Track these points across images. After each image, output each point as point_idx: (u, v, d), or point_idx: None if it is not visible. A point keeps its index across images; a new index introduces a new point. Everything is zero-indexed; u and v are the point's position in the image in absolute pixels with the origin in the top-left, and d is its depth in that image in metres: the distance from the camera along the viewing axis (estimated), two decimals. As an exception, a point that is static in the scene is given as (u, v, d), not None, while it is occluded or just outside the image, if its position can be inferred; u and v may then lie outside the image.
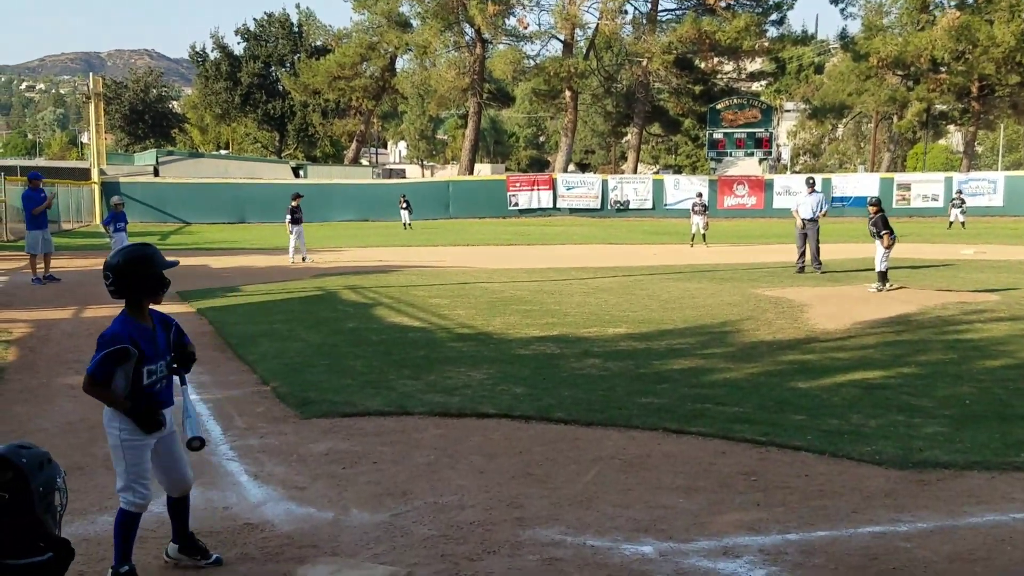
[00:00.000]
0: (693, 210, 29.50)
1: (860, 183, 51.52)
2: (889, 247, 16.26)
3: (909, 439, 6.94)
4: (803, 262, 19.73)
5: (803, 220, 19.90)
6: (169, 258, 4.71)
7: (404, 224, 40.95)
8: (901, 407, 7.95)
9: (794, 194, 52.02)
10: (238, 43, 77.13)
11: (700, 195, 31.07)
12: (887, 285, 16.13)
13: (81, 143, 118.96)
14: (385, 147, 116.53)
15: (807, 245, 19.74)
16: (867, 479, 6.10)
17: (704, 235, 28.85)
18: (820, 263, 19.69)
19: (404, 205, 41.83)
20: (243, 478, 6.22)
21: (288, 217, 23.24)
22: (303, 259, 22.94)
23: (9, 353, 10.84)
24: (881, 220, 16.54)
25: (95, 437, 7.15)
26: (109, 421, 4.52)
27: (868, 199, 17.97)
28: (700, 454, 6.67)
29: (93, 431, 7.35)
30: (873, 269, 16.60)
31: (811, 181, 21.09)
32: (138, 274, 4.52)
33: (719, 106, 54.70)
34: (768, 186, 51.66)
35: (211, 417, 7.78)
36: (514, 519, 5.40)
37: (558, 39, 58.60)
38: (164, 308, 4.86)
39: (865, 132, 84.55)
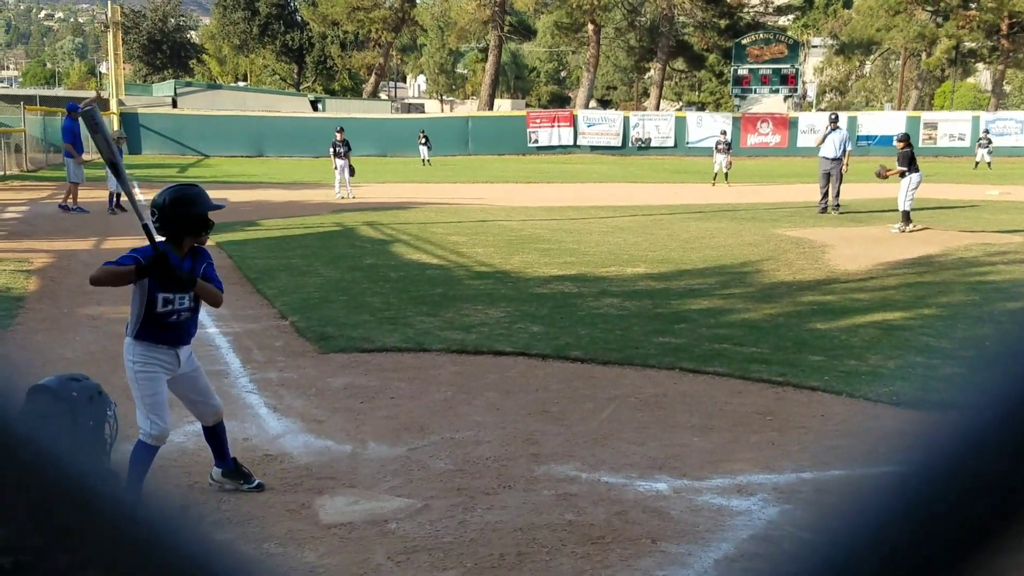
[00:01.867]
0: (716, 148, 29.12)
1: (886, 121, 50.69)
2: (903, 177, 16.05)
3: (927, 380, 6.93)
4: (826, 203, 19.49)
5: (827, 159, 19.56)
6: (217, 199, 4.77)
7: (423, 160, 40.73)
8: (920, 348, 7.92)
9: (819, 132, 51.66)
10: (256, -28, 76.17)
11: (723, 133, 30.61)
12: (910, 226, 15.95)
13: (100, 73, 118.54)
14: (404, 81, 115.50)
15: (830, 185, 19.47)
16: (884, 420, 6.10)
17: (727, 174, 28.51)
18: (839, 204, 19.41)
19: (423, 141, 41.55)
20: (263, 411, 6.29)
21: (331, 151, 22.98)
22: (345, 195, 22.63)
23: (30, 283, 10.94)
24: (905, 156, 16.29)
25: (116, 367, 7.20)
26: (125, 353, 4.60)
27: (897, 135, 17.65)
28: (716, 394, 6.68)
29: (114, 361, 7.41)
30: (896, 209, 16.43)
31: (834, 117, 20.65)
32: (182, 214, 4.60)
33: (745, 41, 53.71)
34: (793, 124, 50.91)
35: (230, 350, 7.85)
36: (529, 455, 5.45)
37: (581, -30, 57.55)
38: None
39: (893, 69, 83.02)
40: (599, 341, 8.15)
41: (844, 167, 19.46)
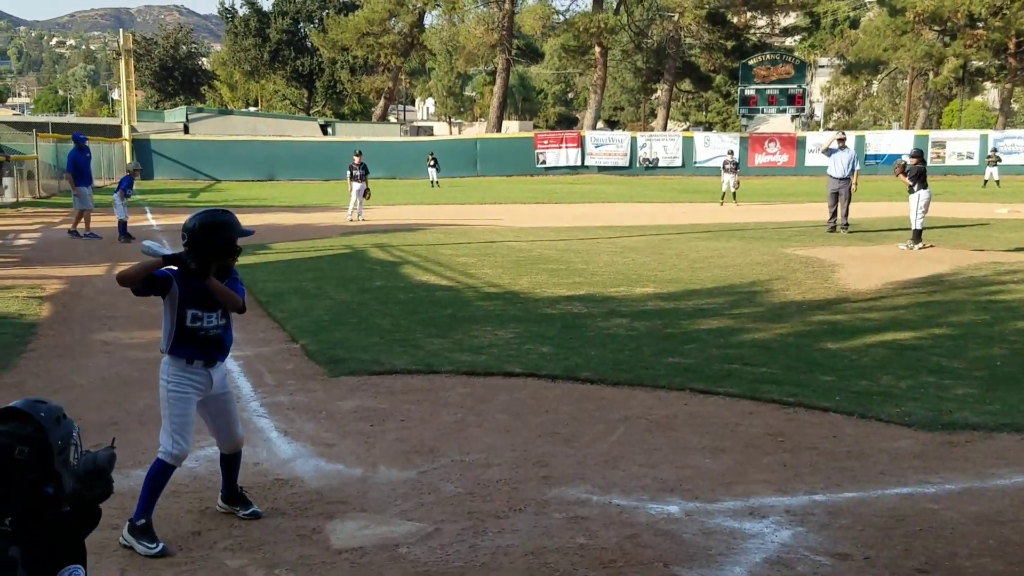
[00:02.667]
0: (724, 168, 29.22)
1: (894, 140, 50.67)
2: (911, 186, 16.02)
3: (939, 400, 6.90)
4: (834, 222, 19.44)
5: (834, 178, 19.50)
6: (246, 226, 4.89)
7: (432, 182, 40.87)
8: (932, 368, 7.89)
9: (823, 143, 51.49)
10: (266, -1, 76.83)
11: (731, 152, 30.70)
12: (919, 245, 15.90)
13: (112, 100, 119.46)
14: (413, 104, 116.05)
15: (839, 204, 19.41)
16: (896, 440, 6.08)
17: (734, 193, 28.58)
18: (848, 224, 19.32)
19: (432, 163, 41.71)
20: (273, 434, 6.30)
21: (348, 174, 23.34)
22: (355, 217, 22.82)
23: (43, 309, 10.99)
24: (915, 172, 16.22)
25: (129, 392, 7.26)
26: (160, 371, 4.67)
27: (910, 151, 17.64)
28: (727, 415, 6.66)
29: (127, 387, 7.46)
30: (909, 228, 16.41)
31: (842, 136, 20.62)
32: (212, 241, 4.67)
33: (751, 62, 53.85)
34: (800, 143, 50.93)
35: (241, 374, 7.87)
36: (540, 478, 5.44)
37: (588, -7, 57.84)
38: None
39: (900, 89, 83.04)
40: (609, 362, 8.14)
41: (853, 187, 19.38)
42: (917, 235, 15.96)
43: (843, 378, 7.55)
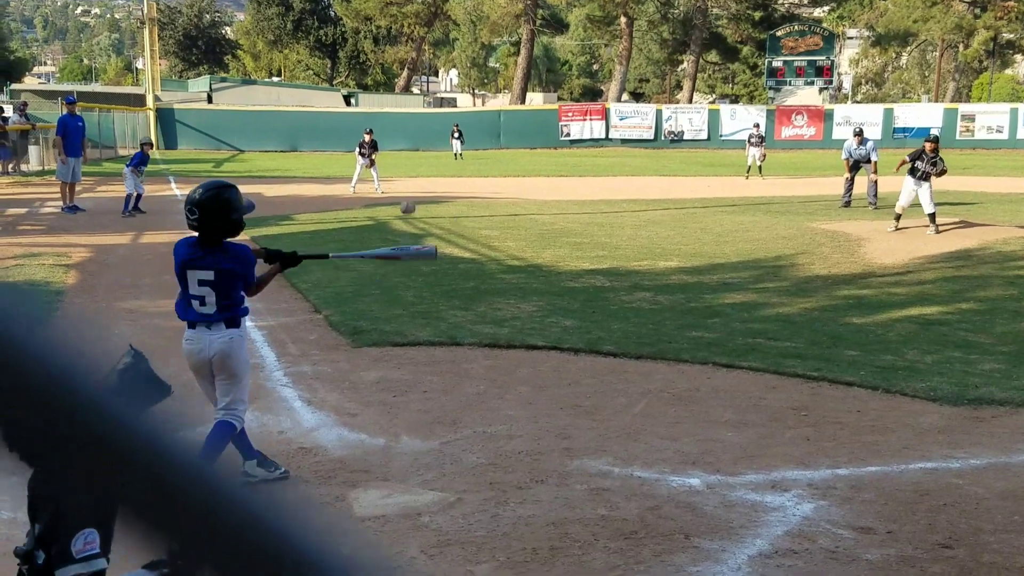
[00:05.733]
0: (749, 141, 28.94)
1: (923, 113, 50.01)
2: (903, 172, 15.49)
3: (965, 375, 6.84)
4: (849, 196, 19.13)
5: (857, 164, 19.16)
6: (247, 198, 4.97)
7: (455, 154, 40.77)
8: (958, 343, 7.82)
9: (855, 125, 50.95)
10: (291, -33, 76.55)
11: (757, 126, 30.39)
12: (935, 226, 15.23)
13: (136, 69, 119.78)
14: (436, 75, 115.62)
15: (854, 180, 18.97)
16: (920, 415, 6.04)
17: (760, 167, 28.30)
18: (875, 201, 18.91)
19: (456, 135, 41.59)
20: (297, 404, 6.34)
21: (357, 150, 23.45)
22: (376, 189, 22.89)
23: (69, 276, 11.09)
24: (928, 156, 15.61)
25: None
26: (241, 349, 4.86)
27: (929, 135, 17.01)
28: (750, 388, 6.64)
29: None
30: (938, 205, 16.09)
31: (858, 131, 20.15)
32: (222, 217, 4.78)
33: (779, 33, 53.17)
34: (828, 116, 50.36)
35: (265, 343, 7.91)
36: (562, 449, 5.45)
37: (614, -37, 57.23)
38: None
39: (930, 61, 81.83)
40: (631, 335, 8.12)
41: (872, 176, 18.79)
42: (933, 218, 15.29)
43: (868, 352, 7.50)
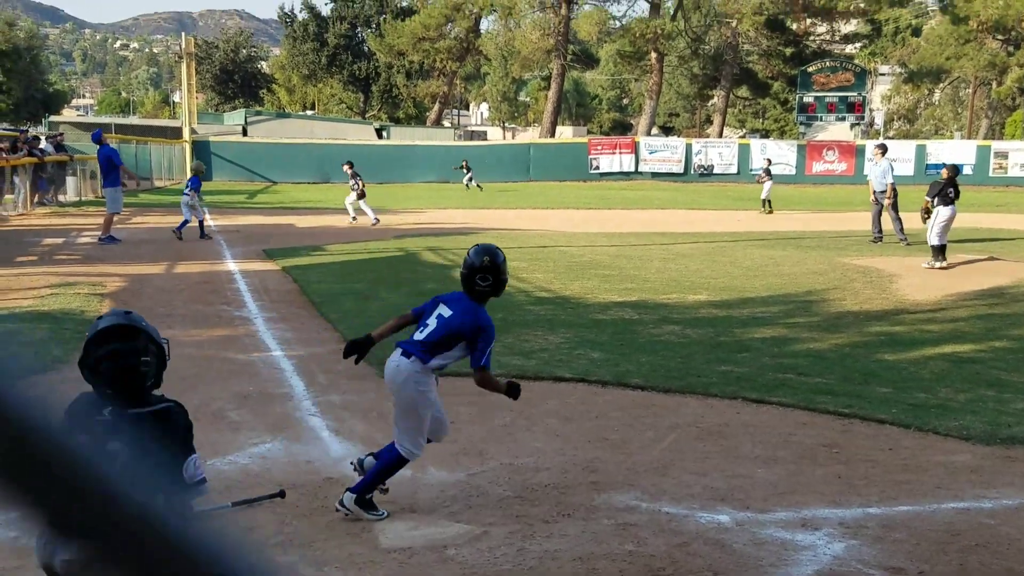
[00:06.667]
0: (764, 174, 29.25)
1: (956, 150, 49.67)
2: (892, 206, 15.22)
3: (998, 414, 6.74)
4: (879, 232, 18.82)
5: (873, 192, 18.95)
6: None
7: (466, 185, 41.13)
8: (991, 382, 7.71)
9: (887, 160, 50.65)
10: (326, 4, 77.79)
11: (768, 161, 30.85)
12: (942, 262, 14.85)
13: (173, 102, 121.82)
14: (467, 109, 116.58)
15: (885, 215, 18.52)
16: (953, 454, 5.95)
17: (767, 200, 28.59)
18: (904, 236, 18.30)
19: (464, 168, 42.16)
20: (324, 434, 6.36)
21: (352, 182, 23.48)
22: (351, 220, 23.03)
23: (103, 306, 11.22)
24: (935, 185, 15.35)
25: (185, 389, 7.36)
26: (418, 382, 4.95)
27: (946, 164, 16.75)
28: (780, 424, 6.58)
29: (183, 383, 7.57)
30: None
31: (880, 147, 19.90)
32: (503, 277, 5.25)
33: (810, 69, 53.17)
34: (859, 152, 50.14)
35: (294, 373, 7.96)
36: (589, 483, 5.42)
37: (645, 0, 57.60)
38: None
39: (963, 98, 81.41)
40: (660, 369, 8.08)
41: (886, 200, 18.32)
42: (935, 251, 14.93)
43: (900, 390, 7.41)
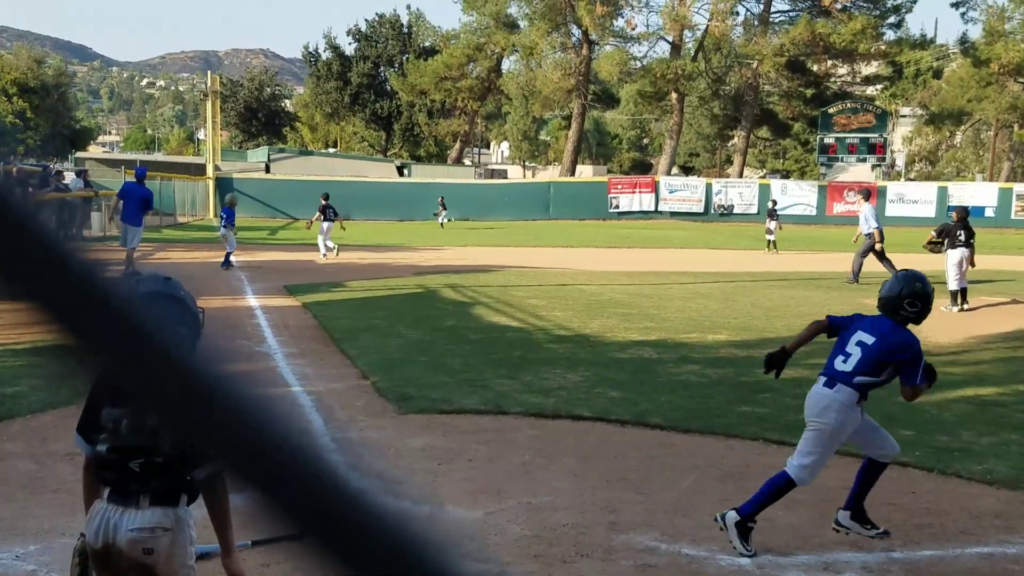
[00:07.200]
0: (770, 215, 29.44)
1: (978, 192, 49.54)
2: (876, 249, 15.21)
3: (1022, 459, 6.65)
4: (853, 277, 18.73)
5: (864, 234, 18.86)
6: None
7: (441, 223, 41.56)
8: (1015, 425, 7.62)
9: (908, 202, 50.61)
10: (349, 43, 78.80)
11: (774, 202, 31.34)
12: (960, 306, 14.82)
13: (197, 139, 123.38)
14: (488, 147, 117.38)
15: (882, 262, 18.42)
16: (976, 498, 5.87)
17: (769, 241, 28.87)
18: (855, 279, 18.50)
19: (440, 206, 42.74)
20: (343, 470, 6.34)
21: (320, 216, 23.80)
22: (330, 254, 23.30)
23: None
24: (947, 228, 15.28)
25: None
26: (844, 409, 4.94)
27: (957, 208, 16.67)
28: (801, 466, 6.50)
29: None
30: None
31: (862, 193, 20.22)
32: (931, 306, 5.36)
33: (831, 110, 53.27)
34: (881, 193, 50.08)
35: (313, 409, 7.96)
36: (608, 523, 5.37)
37: (666, 40, 58.00)
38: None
39: (984, 140, 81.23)
40: (679, 408, 8.04)
41: (878, 245, 18.42)
42: (953, 296, 14.86)
43: (923, 433, 7.33)
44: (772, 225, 28.72)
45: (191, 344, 0.62)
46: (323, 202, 23.85)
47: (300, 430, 0.60)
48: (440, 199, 43.85)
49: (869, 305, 15.54)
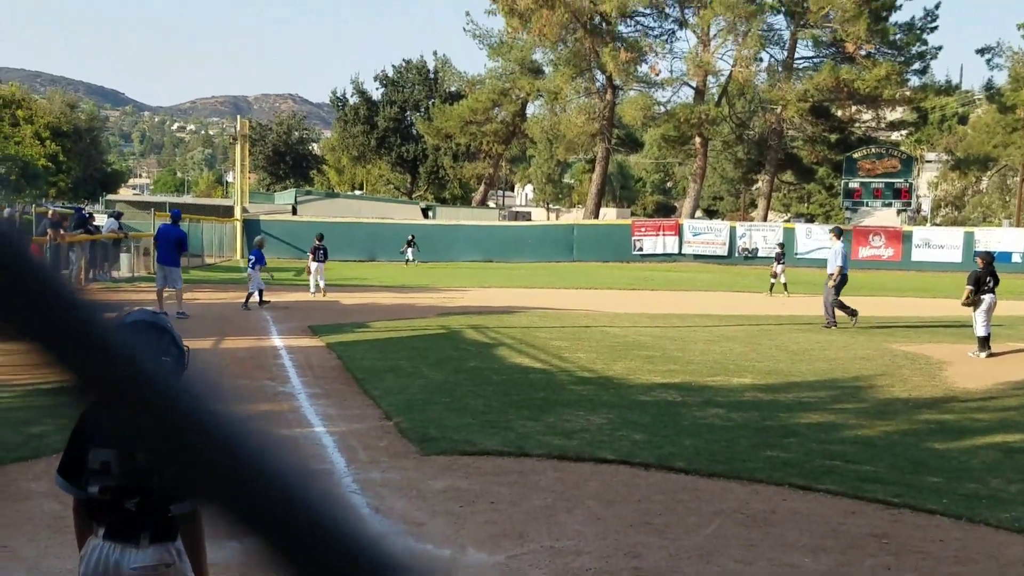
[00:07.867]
0: (778, 259, 29.65)
1: (1004, 238, 49.18)
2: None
3: (1055, 508, 6.53)
4: (829, 319, 18.72)
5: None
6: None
7: (407, 261, 41.84)
8: (1047, 474, 7.49)
9: (935, 247, 50.32)
10: (376, 88, 79.87)
11: (781, 245, 31.89)
12: (986, 352, 14.59)
13: (226, 182, 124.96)
14: (512, 190, 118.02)
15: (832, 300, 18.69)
16: (1005, 547, 5.77)
17: (772, 284, 29.24)
18: (831, 321, 18.57)
19: (410, 244, 43.11)
20: (364, 511, 6.33)
21: (310, 255, 24.68)
22: (319, 293, 24.07)
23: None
24: (972, 276, 15.10)
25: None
26: None
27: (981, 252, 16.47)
28: (828, 513, 6.43)
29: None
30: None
31: (834, 231, 20.26)
32: None
33: (856, 155, 53.26)
34: (907, 237, 49.85)
35: (336, 449, 7.97)
36: (631, 568, 5.32)
37: (690, 86, 58.37)
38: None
39: (1011, 186, 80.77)
40: (704, 452, 7.97)
41: (831, 282, 18.71)
42: (981, 342, 14.68)
43: (951, 480, 7.22)
44: (778, 268, 29.26)
45: (175, 373, 0.63)
46: (316, 242, 24.65)
47: (291, 465, 0.61)
48: (410, 237, 44.49)
49: (895, 349, 15.50)
